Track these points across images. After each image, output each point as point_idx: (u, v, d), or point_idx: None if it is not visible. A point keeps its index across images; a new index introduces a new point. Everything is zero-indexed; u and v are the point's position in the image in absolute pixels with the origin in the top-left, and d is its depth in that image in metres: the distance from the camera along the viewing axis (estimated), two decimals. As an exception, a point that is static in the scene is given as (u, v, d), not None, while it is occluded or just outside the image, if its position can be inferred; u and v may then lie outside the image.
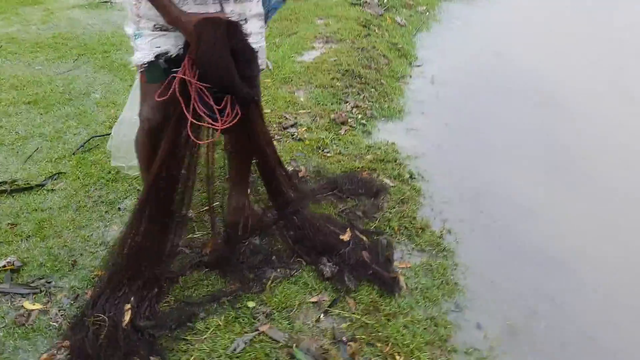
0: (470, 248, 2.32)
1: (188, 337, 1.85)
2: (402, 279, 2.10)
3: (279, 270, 2.13)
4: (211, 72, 1.74)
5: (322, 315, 1.93)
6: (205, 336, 1.85)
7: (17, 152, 3.03)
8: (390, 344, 1.82)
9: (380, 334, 1.86)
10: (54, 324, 1.94)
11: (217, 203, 2.53)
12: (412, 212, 2.50)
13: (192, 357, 1.76)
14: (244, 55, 1.79)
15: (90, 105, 3.56)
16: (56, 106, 3.52)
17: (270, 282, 2.07)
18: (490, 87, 4.01)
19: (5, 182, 2.74)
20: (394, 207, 2.52)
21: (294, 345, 1.80)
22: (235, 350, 1.78)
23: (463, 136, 3.29)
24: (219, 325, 1.89)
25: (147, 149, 2.08)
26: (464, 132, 3.33)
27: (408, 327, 1.89)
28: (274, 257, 2.19)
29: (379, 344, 1.82)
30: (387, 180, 2.73)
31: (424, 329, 1.90)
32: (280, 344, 1.81)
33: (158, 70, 1.88)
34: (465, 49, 4.81)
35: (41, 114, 3.43)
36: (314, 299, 2.00)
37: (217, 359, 1.76)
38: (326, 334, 1.86)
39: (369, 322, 1.90)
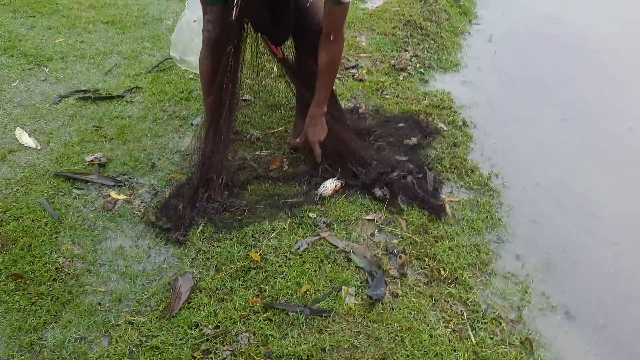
0: (515, 192, 2.47)
1: (256, 235, 2.07)
2: (447, 206, 2.28)
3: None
4: (250, 19, 2.02)
5: (376, 231, 2.13)
6: (271, 236, 2.07)
7: (98, 66, 3.26)
8: (437, 260, 2.01)
9: (428, 251, 2.05)
10: (137, 212, 2.19)
11: (282, 128, 2.74)
12: (463, 155, 2.65)
13: (261, 250, 1.99)
14: (279, 6, 1.98)
15: (163, 30, 3.76)
16: (132, 28, 3.74)
17: (330, 198, 2.27)
18: (546, 50, 4.05)
19: (89, 91, 2.98)
20: (446, 149, 2.68)
21: (351, 250, 2.01)
22: (299, 248, 2.00)
23: (516, 93, 3.39)
24: (284, 228, 2.10)
25: (208, 62, 2.25)
26: (517, 89, 3.43)
27: (453, 249, 2.08)
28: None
29: (426, 259, 2.02)
30: (441, 125, 2.87)
31: (467, 253, 2.08)
32: (339, 249, 2.02)
33: None
34: (525, 12, 4.82)
35: (118, 34, 3.66)
36: (369, 217, 2.20)
37: (283, 254, 1.98)
38: (379, 246, 2.07)
39: (418, 240, 2.09)
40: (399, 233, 2.13)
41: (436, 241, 2.11)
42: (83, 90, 2.98)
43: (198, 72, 2.39)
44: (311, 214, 2.19)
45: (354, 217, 2.19)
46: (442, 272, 1.97)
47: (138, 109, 2.87)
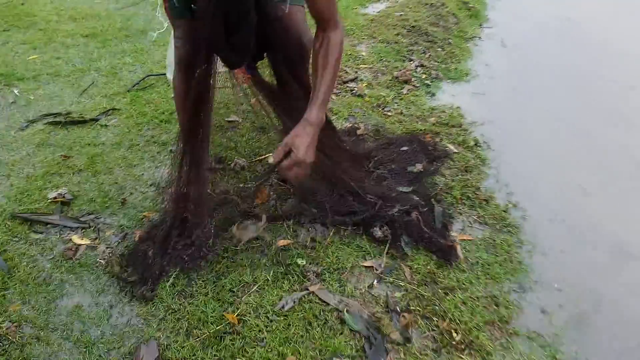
0: (538, 226, 2.15)
1: (235, 289, 1.78)
2: (459, 248, 1.97)
3: (330, 228, 2.03)
4: (202, 38, 1.65)
5: (375, 282, 1.83)
6: (252, 289, 1.77)
7: (73, 85, 2.99)
8: (447, 319, 1.70)
9: (436, 307, 1.74)
10: (101, 261, 1.90)
11: (270, 154, 2.43)
12: (476, 182, 2.33)
13: (239, 310, 1.69)
14: (234, 24, 1.64)
15: (147, 43, 3.48)
16: (113, 41, 3.46)
17: (322, 240, 1.97)
18: (563, 53, 3.72)
19: (60, 114, 2.71)
20: (457, 175, 2.37)
21: (345, 309, 1.71)
22: (283, 307, 1.70)
23: (533, 104, 3.06)
24: (267, 280, 1.81)
25: (179, 83, 1.95)
26: (534, 100, 3.10)
27: (467, 303, 1.77)
28: (325, 216, 2.08)
29: (435, 318, 1.70)
30: (450, 146, 2.56)
31: (484, 307, 1.76)
32: (330, 307, 1.72)
33: (179, 8, 1.76)
34: (538, 13, 4.49)
35: (98, 48, 3.38)
36: (367, 264, 1.89)
37: (264, 314, 1.68)
38: (379, 302, 1.76)
39: (425, 293, 1.78)
40: (403, 284, 1.82)
41: (446, 293, 1.80)
42: (54, 114, 2.70)
43: None
44: (299, 261, 1.89)
45: (350, 263, 1.89)
46: (454, 335, 1.66)
47: (113, 134, 2.58)
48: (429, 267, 1.89)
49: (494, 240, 2.05)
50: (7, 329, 1.65)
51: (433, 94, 3.07)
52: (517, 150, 2.62)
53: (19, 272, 1.84)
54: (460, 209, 2.19)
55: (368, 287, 1.81)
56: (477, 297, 1.79)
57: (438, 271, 1.88)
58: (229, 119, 2.67)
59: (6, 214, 2.08)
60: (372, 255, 1.93)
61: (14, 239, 1.97)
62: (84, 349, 1.60)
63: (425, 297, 1.77)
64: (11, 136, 2.54)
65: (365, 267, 1.88)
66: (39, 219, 2.06)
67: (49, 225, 2.04)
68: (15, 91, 2.88)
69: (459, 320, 1.70)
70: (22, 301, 1.75)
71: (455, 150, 2.53)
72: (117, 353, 1.59)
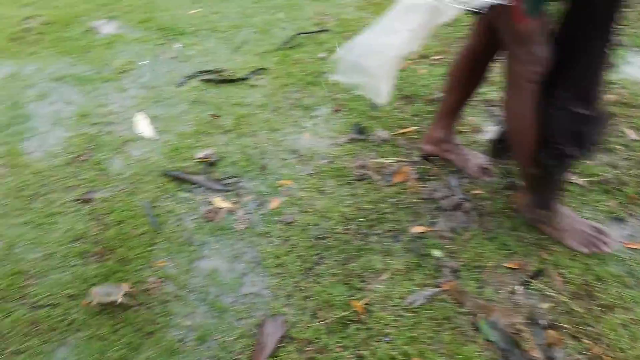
0: None
1: (364, 275, 1.71)
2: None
3: (477, 219, 1.86)
4: None
5: (519, 287, 1.64)
6: (382, 278, 1.69)
7: (228, 41, 3.05)
8: (601, 343, 1.48)
9: (589, 328, 1.51)
10: (239, 226, 1.94)
11: (417, 127, 2.28)
12: (658, 179, 1.98)
13: (367, 298, 1.63)
14: None
15: (301, -4, 3.44)
16: (269, -5, 3.48)
17: (463, 232, 1.81)
18: None
19: (213, 71, 2.79)
20: (631, 169, 2.02)
21: (482, 315, 1.56)
22: (412, 303, 1.60)
23: None
24: (399, 270, 1.71)
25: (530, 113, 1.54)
26: None
27: (628, 327, 1.52)
28: (470, 202, 1.91)
29: (586, 340, 1.49)
30: (630, 132, 2.19)
31: (650, 334, 1.51)
32: (464, 310, 1.58)
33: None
34: None
35: (254, 2, 3.41)
36: (512, 265, 1.70)
37: (392, 307, 1.60)
38: (521, 311, 1.58)
39: (577, 309, 1.56)
40: (552, 294, 1.61)
41: (604, 312, 1.56)
42: (208, 71, 2.79)
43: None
44: (436, 252, 1.76)
45: (492, 262, 1.71)
46: (608, 363, 1.44)
47: (260, 94, 2.60)
48: (585, 278, 1.65)
49: (673, 253, 1.73)
50: (152, 284, 1.77)
51: (614, 65, 2.63)
52: None
53: (165, 229, 1.96)
54: (631, 210, 1.87)
55: (510, 292, 1.63)
56: (642, 321, 1.53)
57: (596, 284, 1.63)
58: (375, 85, 2.55)
59: (159, 171, 2.20)
60: (520, 255, 1.73)
61: (164, 196, 2.09)
62: (217, 314, 1.66)
63: (577, 313, 1.55)
64: (169, 92, 2.67)
65: (509, 268, 1.70)
66: (187, 178, 2.16)
67: (194, 185, 2.13)
68: (178, 46, 3.02)
69: (615, 345, 1.47)
70: (167, 257, 1.85)
71: (636, 138, 2.16)
72: (245, 323, 1.63)
